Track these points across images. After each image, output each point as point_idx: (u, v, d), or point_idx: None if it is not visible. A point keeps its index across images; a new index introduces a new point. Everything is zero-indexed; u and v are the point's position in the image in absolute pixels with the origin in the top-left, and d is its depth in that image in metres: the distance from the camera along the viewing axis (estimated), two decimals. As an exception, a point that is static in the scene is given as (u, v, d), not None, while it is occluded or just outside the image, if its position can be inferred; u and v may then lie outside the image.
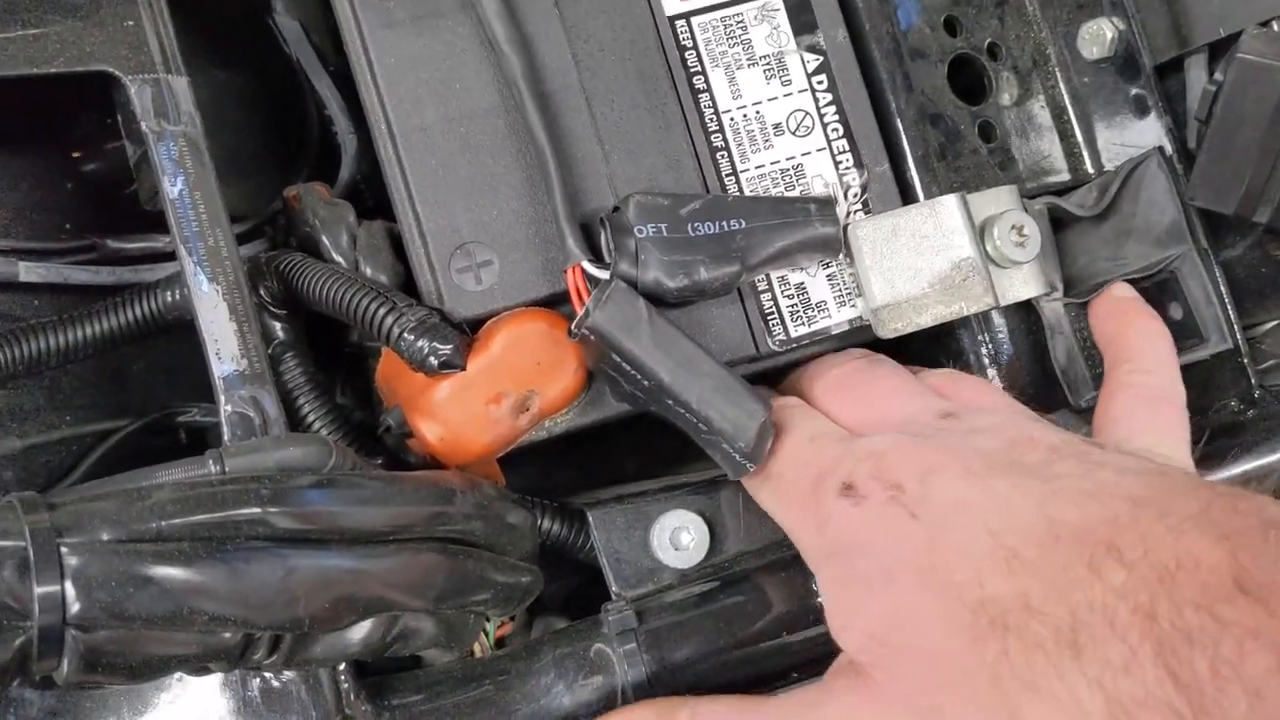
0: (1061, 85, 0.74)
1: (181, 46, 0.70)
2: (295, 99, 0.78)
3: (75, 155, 0.78)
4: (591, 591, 0.67)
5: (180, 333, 0.65)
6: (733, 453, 0.60)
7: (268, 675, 0.59)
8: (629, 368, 0.59)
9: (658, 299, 0.61)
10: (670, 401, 0.60)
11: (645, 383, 0.59)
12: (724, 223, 0.61)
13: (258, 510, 0.51)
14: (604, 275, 0.61)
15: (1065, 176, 0.73)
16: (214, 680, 0.60)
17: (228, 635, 0.51)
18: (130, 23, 0.60)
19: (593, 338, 0.59)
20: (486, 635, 0.67)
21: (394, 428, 0.64)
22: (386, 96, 0.63)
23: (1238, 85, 0.63)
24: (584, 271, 0.61)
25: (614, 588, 0.66)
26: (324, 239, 0.66)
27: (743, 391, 0.60)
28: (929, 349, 0.73)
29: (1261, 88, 0.63)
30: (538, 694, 0.62)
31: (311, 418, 0.67)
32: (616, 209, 0.62)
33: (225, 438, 0.58)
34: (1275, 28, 0.66)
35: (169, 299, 0.66)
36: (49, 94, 0.66)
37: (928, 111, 0.70)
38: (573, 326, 0.60)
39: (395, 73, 0.64)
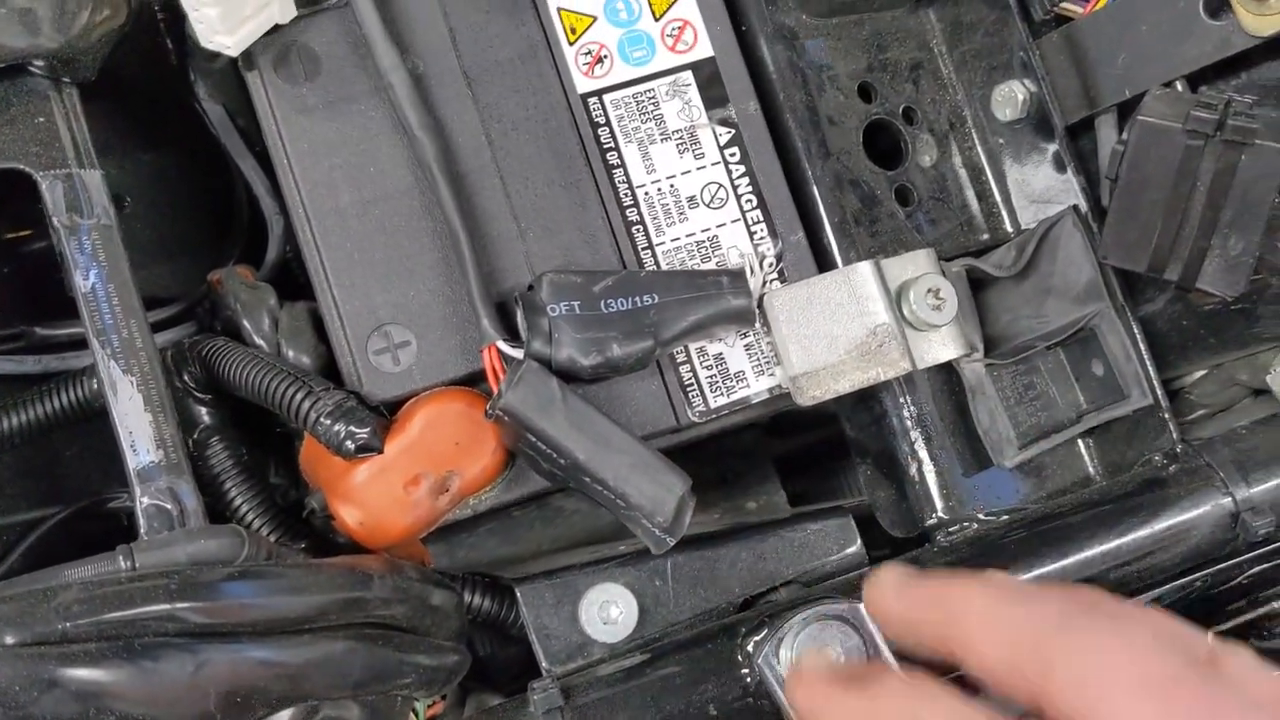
0: (978, 146, 0.75)
1: (107, 132, 0.71)
2: (224, 181, 0.79)
3: (9, 240, 0.79)
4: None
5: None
6: (652, 528, 0.60)
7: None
8: (545, 447, 0.60)
9: (573, 376, 0.62)
10: (588, 479, 0.60)
11: (562, 461, 0.60)
12: (637, 298, 0.62)
13: (166, 606, 0.51)
14: (519, 354, 0.61)
15: (985, 236, 0.74)
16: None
17: (135, 734, 0.51)
18: (41, 119, 0.61)
19: (507, 418, 0.59)
20: (416, 716, 0.67)
21: (318, 511, 0.64)
22: (301, 180, 0.64)
23: (1140, 147, 0.64)
24: (499, 351, 0.61)
25: (544, 664, 0.66)
26: (245, 323, 0.67)
27: (661, 467, 0.61)
28: (854, 412, 0.74)
29: (1163, 149, 0.64)
30: (466, 774, 0.62)
31: (238, 502, 0.67)
32: (531, 287, 0.63)
33: (141, 530, 0.58)
34: (1178, 88, 0.67)
35: (95, 386, 0.67)
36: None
37: (844, 178, 0.71)
38: (488, 407, 0.60)
39: (310, 157, 0.64)
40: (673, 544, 0.61)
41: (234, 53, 0.62)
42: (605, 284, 0.62)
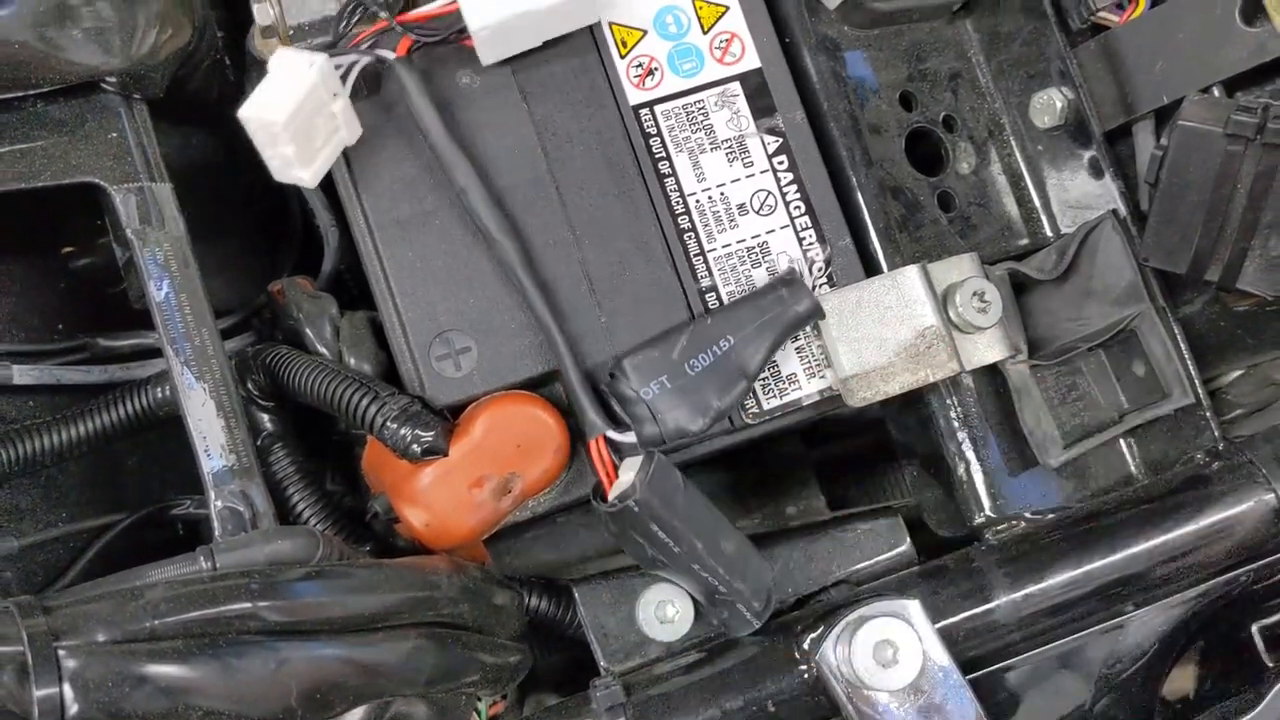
0: (1017, 153, 0.76)
1: (165, 147, 0.72)
2: (278, 195, 0.81)
3: (66, 253, 0.81)
4: (588, 664, 0.69)
5: (172, 427, 0.67)
6: (746, 611, 0.63)
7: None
8: (664, 536, 0.61)
9: (686, 440, 0.64)
10: (697, 567, 0.62)
11: (676, 550, 0.61)
12: (715, 348, 0.64)
13: (248, 605, 0.52)
14: (626, 439, 0.63)
15: (1025, 241, 0.76)
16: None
17: (221, 729, 0.52)
18: (114, 134, 0.63)
19: (637, 510, 0.60)
20: (479, 715, 0.69)
21: (381, 514, 0.66)
22: (363, 193, 0.66)
23: (1180, 151, 0.66)
24: (608, 440, 0.63)
25: (602, 662, 0.67)
26: (308, 331, 0.68)
27: (755, 554, 0.64)
28: (901, 414, 0.75)
29: (1203, 153, 0.65)
30: (529, 772, 0.63)
31: (301, 507, 0.68)
32: (613, 375, 0.64)
33: (216, 533, 0.60)
34: (1215, 93, 0.69)
35: (159, 395, 0.69)
36: (39, 202, 0.69)
37: (887, 185, 0.72)
38: (613, 498, 0.61)
39: (371, 170, 0.66)
40: (758, 626, 0.64)
41: (311, 184, 0.64)
42: (681, 345, 0.63)
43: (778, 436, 0.93)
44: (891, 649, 0.62)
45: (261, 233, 0.83)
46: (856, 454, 0.96)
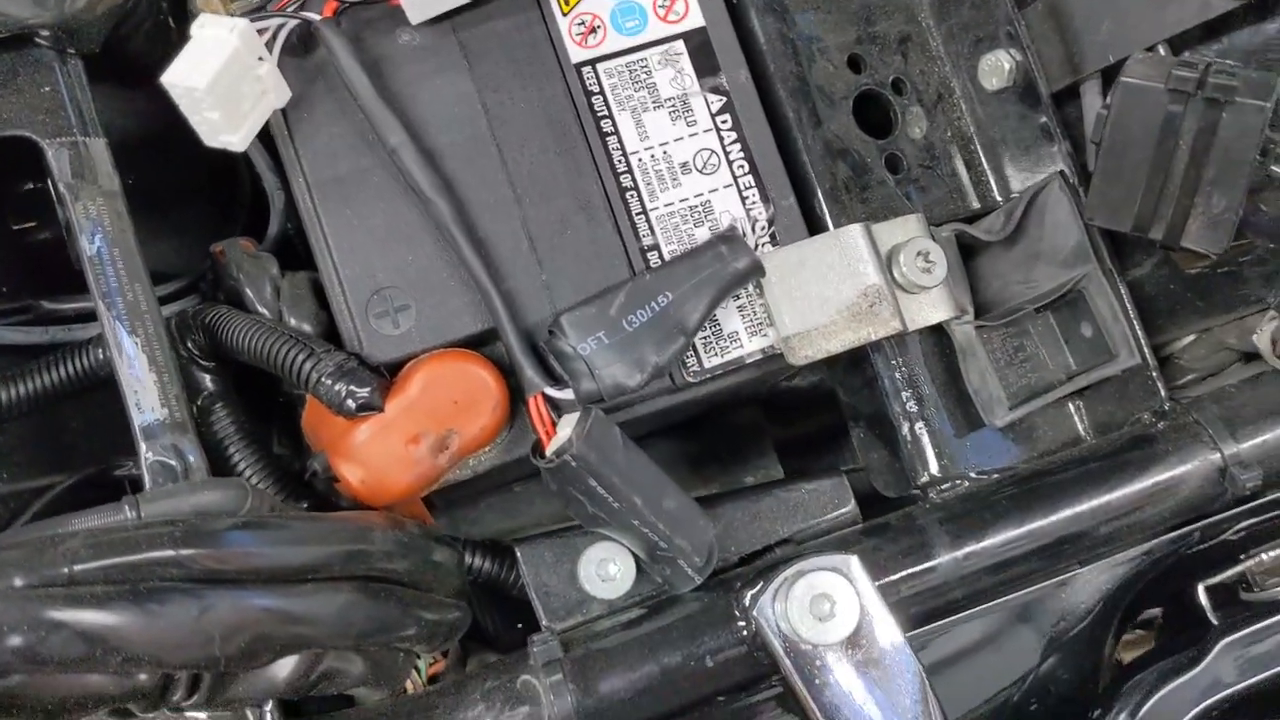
0: (966, 116, 0.76)
1: (112, 110, 0.72)
2: (227, 158, 0.80)
3: (9, 216, 0.80)
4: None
5: (116, 389, 0.66)
6: (688, 568, 0.63)
7: (192, 716, 0.60)
8: (603, 492, 0.61)
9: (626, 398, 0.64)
10: (637, 522, 0.62)
11: (616, 505, 0.61)
12: (653, 304, 0.63)
13: (171, 552, 0.52)
14: (565, 396, 0.62)
15: (974, 203, 0.75)
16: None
17: (144, 676, 0.52)
18: (47, 89, 0.62)
19: (574, 464, 0.60)
20: (419, 672, 0.68)
21: (319, 472, 0.65)
22: (301, 150, 0.66)
23: (1123, 108, 0.66)
24: (545, 397, 0.62)
25: (544, 621, 0.67)
26: (248, 291, 0.68)
27: (698, 511, 0.64)
28: (848, 376, 0.75)
29: (1145, 110, 0.65)
30: (466, 728, 0.63)
31: (242, 465, 0.68)
32: (551, 332, 0.63)
33: (146, 485, 0.59)
34: (1161, 51, 0.69)
35: (100, 355, 0.68)
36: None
37: (835, 146, 0.72)
38: (549, 453, 0.61)
39: (309, 126, 0.66)
40: (700, 582, 0.64)
41: (240, 148, 0.64)
42: (619, 302, 0.63)
43: (736, 405, 0.94)
44: (829, 603, 0.61)
45: (212, 196, 0.83)
46: (816, 434, 0.96)
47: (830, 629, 0.61)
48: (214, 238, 0.79)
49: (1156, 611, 0.79)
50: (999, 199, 0.76)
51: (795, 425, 1.00)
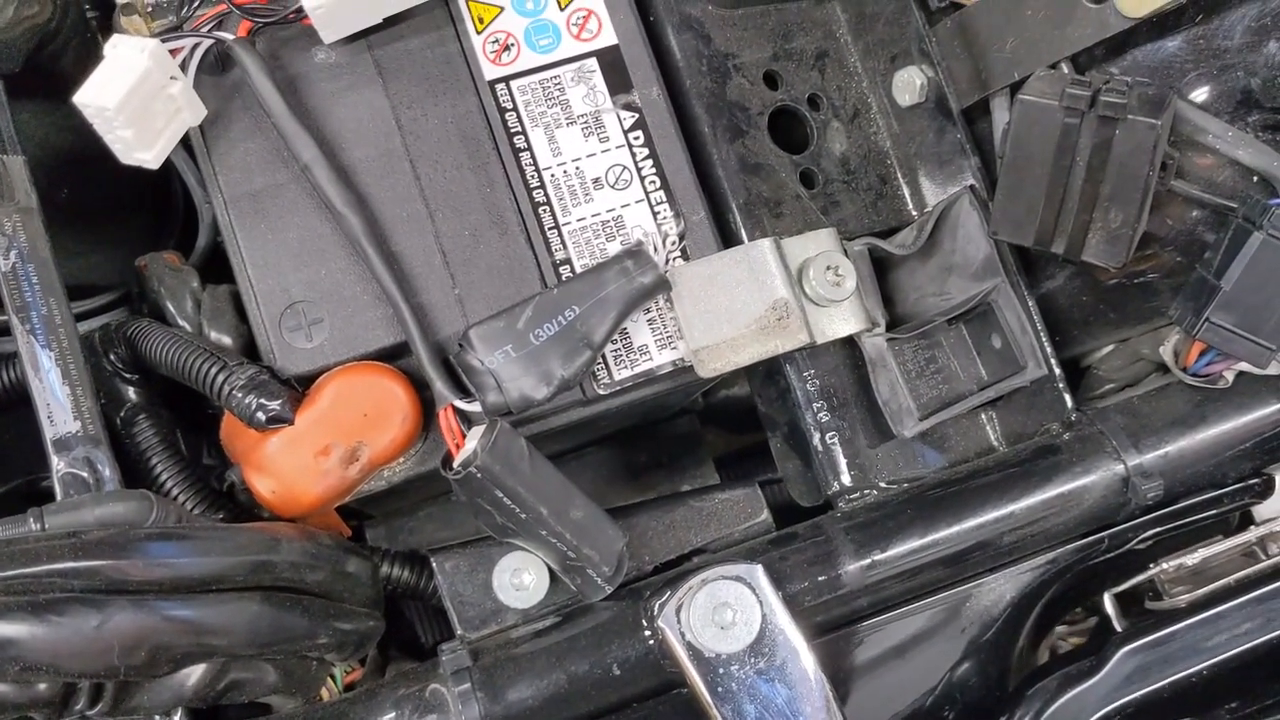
0: (883, 131, 0.78)
1: (46, 126, 0.73)
2: (161, 173, 0.81)
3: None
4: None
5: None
6: (596, 578, 0.64)
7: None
8: (509, 503, 0.62)
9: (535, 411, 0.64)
10: (544, 533, 0.63)
11: (523, 516, 0.62)
12: (560, 318, 0.64)
13: (70, 564, 0.53)
14: (474, 408, 0.63)
15: (889, 217, 0.77)
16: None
17: (44, 686, 0.53)
18: (-37, 108, 0.64)
19: (480, 476, 0.61)
20: (335, 681, 0.69)
21: (236, 484, 0.66)
22: (218, 165, 0.67)
23: (1022, 124, 0.67)
24: (456, 410, 0.64)
25: (459, 630, 0.68)
26: (169, 305, 0.69)
27: (607, 521, 0.65)
28: (764, 387, 0.76)
29: (1043, 127, 0.66)
30: (377, 735, 0.64)
31: (164, 477, 0.69)
32: (461, 346, 0.64)
33: (58, 496, 0.61)
34: (1065, 69, 0.70)
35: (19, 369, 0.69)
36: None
37: (749, 162, 0.73)
38: (457, 464, 0.62)
39: (225, 142, 0.67)
40: (610, 591, 0.65)
41: (153, 166, 0.65)
42: (526, 315, 0.64)
43: (666, 416, 0.95)
44: (731, 612, 0.63)
45: (145, 211, 0.84)
46: (761, 440, 0.97)
47: (732, 637, 0.63)
48: (148, 250, 0.80)
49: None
50: (914, 213, 0.77)
51: (741, 435, 1.01)
